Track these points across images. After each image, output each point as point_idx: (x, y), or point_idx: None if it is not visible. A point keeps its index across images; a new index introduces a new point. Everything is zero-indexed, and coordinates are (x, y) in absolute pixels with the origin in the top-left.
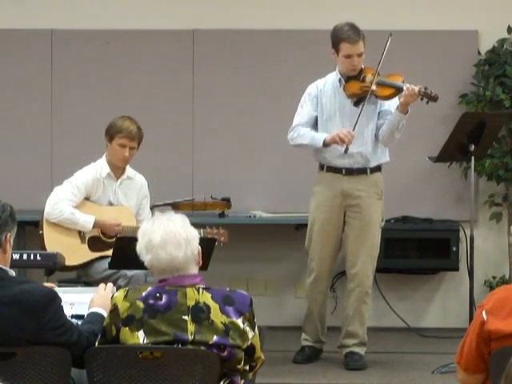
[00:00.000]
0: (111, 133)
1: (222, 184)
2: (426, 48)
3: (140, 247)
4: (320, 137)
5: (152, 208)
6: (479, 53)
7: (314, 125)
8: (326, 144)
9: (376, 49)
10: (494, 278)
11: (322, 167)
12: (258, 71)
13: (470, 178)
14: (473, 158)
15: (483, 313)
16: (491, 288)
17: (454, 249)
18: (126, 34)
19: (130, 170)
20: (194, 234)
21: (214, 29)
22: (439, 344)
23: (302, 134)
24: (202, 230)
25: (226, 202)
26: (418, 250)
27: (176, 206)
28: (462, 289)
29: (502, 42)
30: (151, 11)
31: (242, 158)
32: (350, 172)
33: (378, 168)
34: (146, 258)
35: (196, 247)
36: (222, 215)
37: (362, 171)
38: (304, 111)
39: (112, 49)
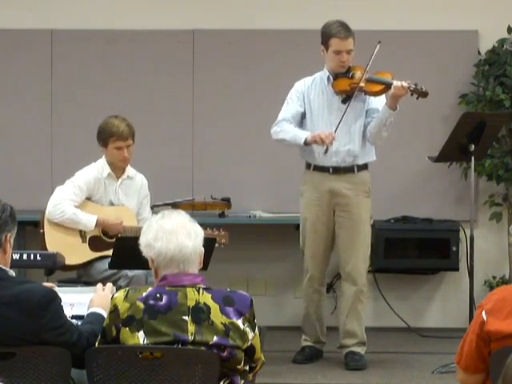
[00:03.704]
0: (103, 138)
1: (222, 184)
2: (426, 48)
3: (148, 237)
4: (302, 135)
5: (152, 208)
6: (479, 53)
7: (300, 121)
8: (307, 143)
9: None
10: (494, 278)
11: (308, 166)
12: (258, 71)
13: (470, 178)
14: (473, 158)
15: (483, 313)
16: (491, 288)
17: (454, 249)
18: (126, 34)
19: (130, 170)
20: (201, 231)
21: (213, 29)
22: (439, 344)
23: (285, 129)
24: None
25: (226, 202)
26: (418, 249)
27: (176, 206)
28: (462, 289)
29: (502, 41)
30: (151, 11)
31: (242, 158)
32: (337, 171)
33: (365, 166)
34: (154, 246)
35: (201, 244)
36: (221, 215)
37: (349, 170)
38: (290, 107)
39: (112, 49)
